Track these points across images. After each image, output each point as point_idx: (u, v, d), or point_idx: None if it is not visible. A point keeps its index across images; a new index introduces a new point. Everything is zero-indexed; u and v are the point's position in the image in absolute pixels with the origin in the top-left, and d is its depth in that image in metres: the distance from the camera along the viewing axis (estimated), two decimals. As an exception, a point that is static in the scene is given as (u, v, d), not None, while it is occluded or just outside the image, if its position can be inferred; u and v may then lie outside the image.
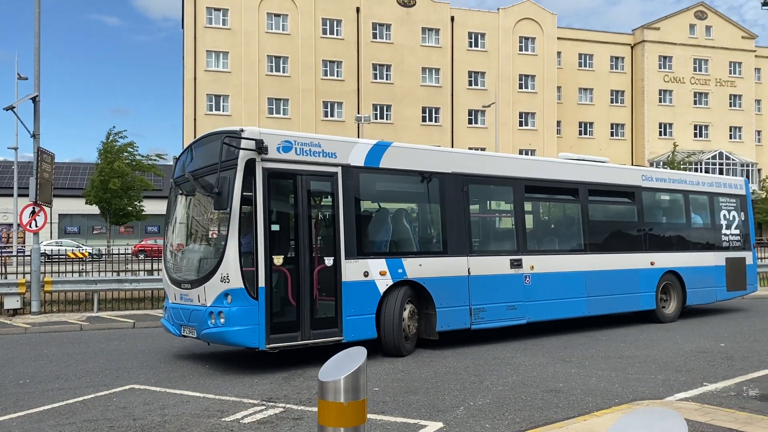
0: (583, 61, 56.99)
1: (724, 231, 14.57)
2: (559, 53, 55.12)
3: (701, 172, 52.30)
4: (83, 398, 6.83)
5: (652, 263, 12.73)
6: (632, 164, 51.85)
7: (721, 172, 54.24)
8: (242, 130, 8.15)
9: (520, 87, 53.37)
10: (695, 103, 58.94)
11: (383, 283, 9.06)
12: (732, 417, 5.65)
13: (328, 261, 8.67)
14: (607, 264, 12.01)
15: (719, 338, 10.60)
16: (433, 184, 10.10)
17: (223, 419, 5.92)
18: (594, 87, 56.99)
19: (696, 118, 58.85)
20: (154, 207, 41.98)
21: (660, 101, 58.00)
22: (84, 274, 18.13)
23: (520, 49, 53.46)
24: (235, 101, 47.10)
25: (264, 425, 5.74)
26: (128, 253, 20.41)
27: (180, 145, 50.96)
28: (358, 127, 47.58)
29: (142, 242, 41.34)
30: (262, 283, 7.98)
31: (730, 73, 59.86)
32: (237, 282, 7.91)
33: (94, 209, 37.44)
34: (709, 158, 56.03)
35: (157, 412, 6.22)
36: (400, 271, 9.27)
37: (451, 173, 10.15)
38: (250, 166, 8.09)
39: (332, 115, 49.54)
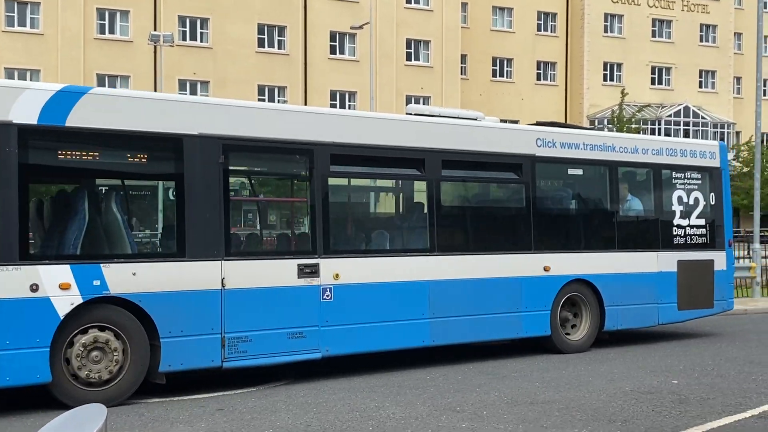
0: (500, -32, 58.40)
1: (677, 221, 14.74)
2: (464, -49, 56.12)
3: (660, 134, 55.55)
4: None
5: (546, 269, 13.22)
6: (566, 121, 53.95)
7: (687, 135, 56.55)
8: None
9: (407, 0, 54.06)
10: (654, 35, 61.47)
11: (65, 302, 9.05)
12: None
13: None
14: (467, 270, 12.36)
15: (671, 372, 11.55)
16: (166, 153, 10.24)
17: None
18: (514, 6, 58.38)
19: (654, 57, 61.32)
20: None
21: (606, 30, 60.13)
22: None
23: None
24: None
25: None
26: None
27: None
28: (155, 52, 45.74)
29: None
30: None
31: (703, -7, 63.01)
32: None
33: None
34: (670, 114, 59.05)
35: None
36: (96, 283, 9.32)
37: (197, 135, 10.27)
38: None
39: (111, 31, 47.27)
